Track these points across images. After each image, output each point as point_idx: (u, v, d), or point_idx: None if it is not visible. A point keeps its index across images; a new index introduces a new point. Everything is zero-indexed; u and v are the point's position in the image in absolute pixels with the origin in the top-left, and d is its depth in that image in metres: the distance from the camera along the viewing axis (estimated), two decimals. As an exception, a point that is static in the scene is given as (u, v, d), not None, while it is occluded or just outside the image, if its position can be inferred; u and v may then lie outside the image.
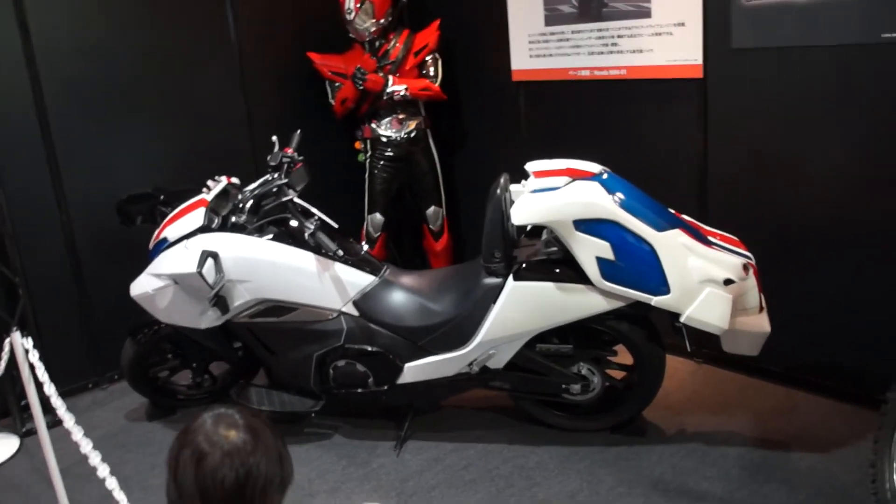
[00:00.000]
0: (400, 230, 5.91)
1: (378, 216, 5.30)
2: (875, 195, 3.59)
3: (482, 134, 5.44)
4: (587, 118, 4.66)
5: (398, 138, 5.16)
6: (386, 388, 3.79)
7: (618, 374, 3.81)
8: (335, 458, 3.83)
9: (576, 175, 3.36)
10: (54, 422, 3.54)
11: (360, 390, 3.83)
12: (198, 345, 4.09)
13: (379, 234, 5.33)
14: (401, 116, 5.15)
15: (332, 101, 5.17)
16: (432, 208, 5.37)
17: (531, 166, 3.53)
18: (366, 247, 3.96)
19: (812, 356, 3.97)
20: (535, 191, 3.35)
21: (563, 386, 3.67)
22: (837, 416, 3.78)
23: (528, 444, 3.78)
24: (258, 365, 4.18)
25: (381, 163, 5.23)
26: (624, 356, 3.72)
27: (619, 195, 3.26)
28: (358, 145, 5.28)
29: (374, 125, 5.17)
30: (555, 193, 3.28)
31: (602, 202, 3.22)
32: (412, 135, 5.17)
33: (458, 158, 5.56)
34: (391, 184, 5.30)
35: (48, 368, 4.47)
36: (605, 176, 3.38)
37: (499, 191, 3.45)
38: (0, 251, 4.32)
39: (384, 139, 5.17)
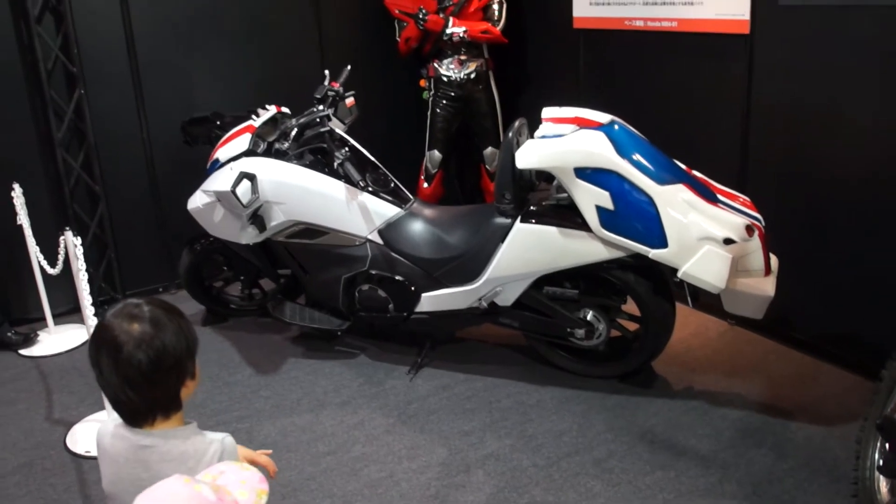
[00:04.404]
0: (462, 169, 6.05)
1: (436, 153, 5.45)
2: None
3: (543, 78, 5.49)
4: (639, 68, 4.65)
5: (458, 78, 5.28)
6: (405, 314, 3.99)
7: (631, 326, 3.87)
8: (354, 375, 4.08)
9: (583, 124, 3.40)
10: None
11: (382, 315, 4.05)
12: (245, 259, 4.40)
13: (437, 170, 5.48)
14: (462, 57, 5.25)
15: (398, 39, 5.32)
16: (490, 149, 5.48)
17: (546, 112, 3.58)
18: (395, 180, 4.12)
19: (842, 327, 3.89)
20: (542, 136, 3.42)
21: (568, 329, 3.77)
22: (856, 391, 3.70)
23: (534, 383, 3.92)
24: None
25: (443, 101, 5.37)
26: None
27: (624, 146, 3.29)
28: (423, 83, 5.42)
29: (437, 64, 5.31)
30: (558, 140, 3.34)
31: (603, 152, 3.26)
32: (472, 76, 5.28)
33: (519, 101, 5.62)
34: (451, 122, 5.43)
35: (122, 270, 4.97)
36: (615, 127, 3.40)
37: (511, 134, 3.55)
38: (85, 161, 4.76)
39: (445, 79, 5.30)
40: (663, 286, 3.62)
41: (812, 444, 3.36)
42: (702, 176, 3.49)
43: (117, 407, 1.71)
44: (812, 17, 3.69)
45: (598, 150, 3.27)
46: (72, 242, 3.56)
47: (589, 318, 3.75)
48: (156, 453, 1.71)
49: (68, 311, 4.80)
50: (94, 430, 3.60)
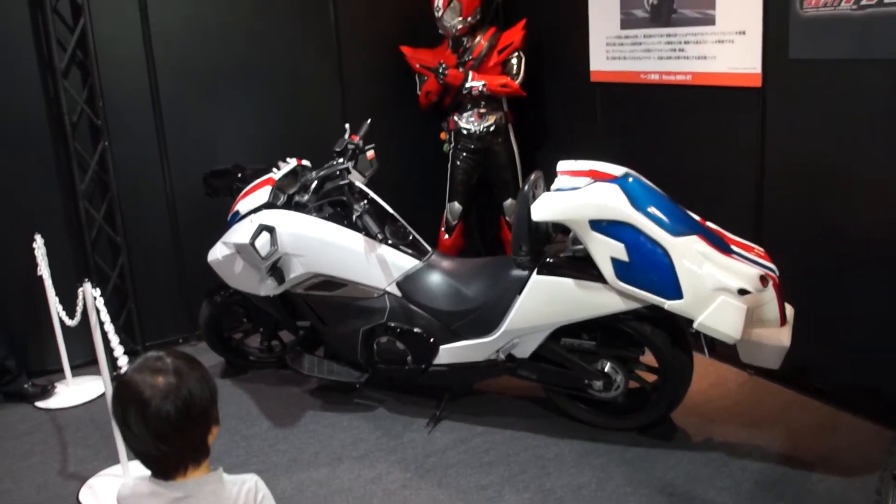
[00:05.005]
0: (482, 220, 6.09)
1: (457, 205, 5.50)
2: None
3: (561, 131, 5.56)
4: (655, 121, 4.70)
5: (478, 131, 5.35)
6: (423, 367, 4.00)
7: (649, 377, 3.86)
8: (372, 428, 4.08)
9: (598, 177, 3.44)
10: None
11: (400, 367, 4.06)
12: (264, 311, 4.43)
13: (457, 222, 5.53)
14: (482, 110, 5.33)
15: (419, 93, 5.41)
16: (509, 200, 5.52)
17: (561, 165, 3.63)
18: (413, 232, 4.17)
19: (860, 377, 3.86)
20: (558, 189, 3.46)
21: (586, 381, 3.76)
22: (877, 441, 3.65)
23: (553, 436, 3.89)
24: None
25: (463, 154, 5.44)
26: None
27: (638, 198, 3.32)
28: (443, 136, 5.51)
29: (457, 118, 5.39)
30: (573, 193, 3.38)
31: (617, 204, 3.29)
32: (492, 128, 5.35)
33: (538, 153, 5.67)
34: (471, 174, 5.50)
35: (142, 321, 5.02)
36: (629, 179, 3.44)
37: (527, 187, 3.58)
38: (107, 212, 4.85)
39: (465, 131, 5.37)
40: (680, 337, 3.61)
41: (832, 496, 3.32)
42: (716, 227, 3.50)
43: (147, 461, 1.73)
44: (822, 70, 3.73)
45: (612, 202, 3.30)
46: (90, 294, 3.61)
47: (607, 369, 3.74)
48: (193, 502, 1.73)
49: (86, 362, 4.82)
50: (108, 485, 3.65)
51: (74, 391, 4.59)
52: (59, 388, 4.61)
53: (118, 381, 1.75)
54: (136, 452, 1.73)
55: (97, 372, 4.32)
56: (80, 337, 4.54)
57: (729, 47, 4.08)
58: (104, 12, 4.68)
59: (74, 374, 4.71)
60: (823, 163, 3.83)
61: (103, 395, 4.39)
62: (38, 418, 4.37)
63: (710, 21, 4.15)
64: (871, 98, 3.57)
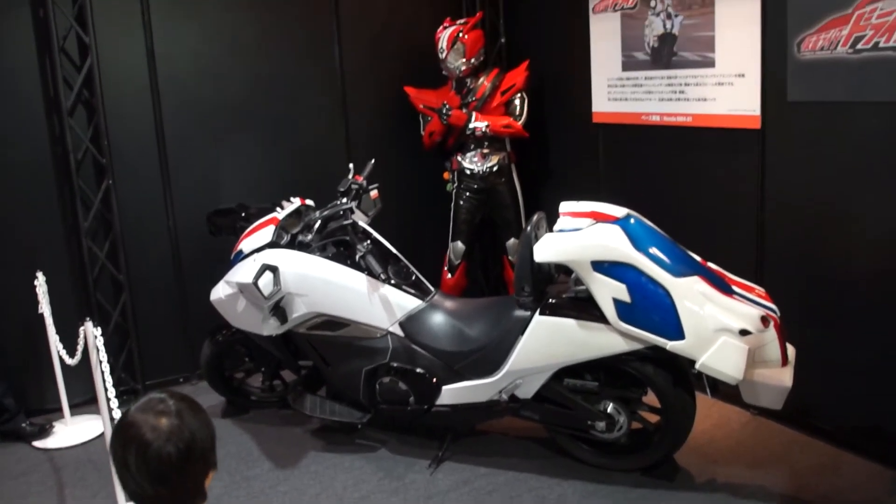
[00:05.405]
0: (485, 260, 6.11)
1: (460, 244, 5.53)
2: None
3: (564, 171, 5.60)
4: (656, 162, 4.75)
5: (481, 171, 5.39)
6: (426, 407, 3.99)
7: (652, 418, 3.85)
8: (374, 469, 4.05)
9: (600, 218, 3.47)
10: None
11: (402, 407, 4.05)
12: (266, 350, 4.43)
13: (460, 261, 5.55)
14: (485, 151, 5.37)
15: (423, 133, 5.46)
16: (512, 240, 5.54)
17: (563, 207, 3.66)
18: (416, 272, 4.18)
19: (863, 416, 3.86)
20: (560, 230, 3.48)
21: (589, 422, 3.75)
22: (878, 481, 3.65)
23: (556, 477, 3.87)
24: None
25: (466, 194, 5.47)
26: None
27: (640, 239, 3.34)
28: (447, 176, 5.54)
29: (460, 158, 5.43)
30: (575, 234, 3.40)
31: (619, 245, 3.31)
32: (495, 168, 5.39)
33: (541, 193, 5.71)
34: (474, 214, 5.53)
35: (143, 359, 5.01)
36: (631, 220, 3.46)
37: (529, 228, 3.61)
38: (110, 251, 4.87)
39: (468, 171, 5.41)
40: (682, 378, 3.61)
41: (836, 537, 3.30)
42: (717, 268, 3.52)
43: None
44: (820, 112, 3.78)
45: (614, 243, 3.32)
46: (91, 333, 3.62)
47: (609, 410, 3.73)
48: None
49: (86, 401, 4.79)
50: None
51: (73, 431, 4.56)
52: (58, 427, 4.57)
53: (120, 421, 1.75)
54: (133, 494, 1.73)
55: (96, 411, 4.31)
56: (80, 375, 4.53)
57: (729, 90, 4.14)
58: (111, 52, 4.74)
59: (73, 413, 4.68)
60: (823, 203, 3.86)
61: (102, 434, 4.39)
62: (36, 458, 4.34)
63: (709, 64, 4.22)
64: (867, 139, 3.62)
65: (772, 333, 3.30)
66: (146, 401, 1.76)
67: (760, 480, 3.74)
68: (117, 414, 3.47)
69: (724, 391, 3.62)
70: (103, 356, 3.54)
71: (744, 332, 3.23)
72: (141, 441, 1.67)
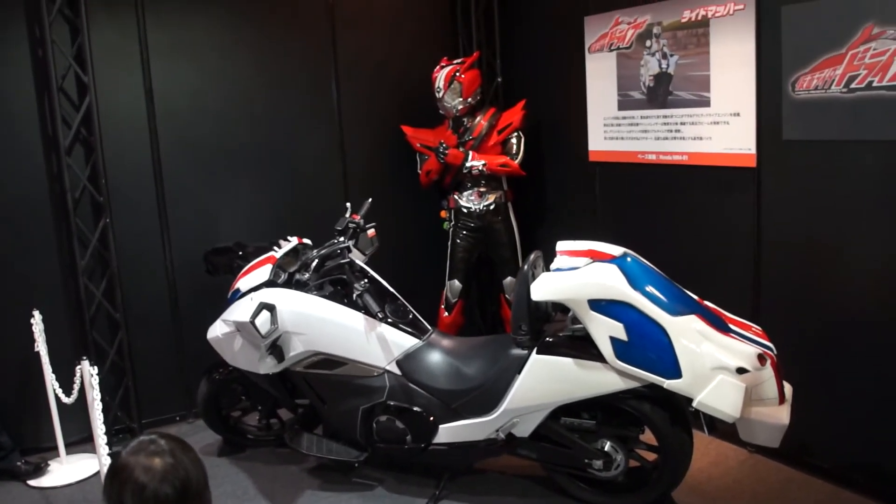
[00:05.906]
0: (482, 298, 6.11)
1: (456, 283, 5.53)
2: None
3: (561, 209, 5.63)
4: (652, 200, 4.77)
5: (478, 210, 5.41)
6: (423, 446, 3.97)
7: (650, 456, 3.83)
8: (370, 508, 4.03)
9: (597, 257, 3.48)
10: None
11: (399, 446, 4.02)
12: (263, 389, 4.41)
13: (457, 299, 5.55)
14: (482, 189, 5.40)
15: (420, 172, 5.49)
16: (509, 278, 5.54)
17: (560, 245, 3.68)
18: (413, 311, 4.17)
19: (861, 454, 3.84)
20: (557, 269, 3.49)
21: (586, 460, 3.73)
22: (877, 519, 3.64)
23: (554, 516, 3.86)
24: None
25: (463, 232, 5.49)
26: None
27: (637, 278, 3.35)
28: (443, 214, 5.56)
29: (457, 196, 5.46)
30: (572, 273, 3.41)
31: (616, 284, 3.32)
32: (492, 207, 5.41)
33: (537, 231, 5.73)
34: (471, 252, 5.54)
35: (139, 398, 4.98)
36: (628, 259, 3.47)
37: (526, 267, 3.62)
38: (107, 289, 4.87)
39: (465, 210, 5.43)
40: (679, 416, 3.59)
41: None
42: (714, 306, 3.52)
43: None
44: (815, 150, 3.81)
45: (611, 282, 3.33)
46: (88, 372, 3.62)
47: (607, 448, 3.72)
48: None
49: (81, 439, 4.77)
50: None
51: (68, 469, 4.52)
52: (53, 465, 4.54)
53: (112, 465, 1.74)
54: None
55: (92, 450, 4.30)
56: (75, 414, 4.51)
57: (724, 128, 4.17)
58: (110, 91, 4.78)
59: (69, 452, 4.65)
60: (819, 241, 3.88)
61: (98, 473, 4.34)
62: (30, 497, 4.31)
63: (705, 103, 4.26)
64: (862, 178, 3.64)
65: (769, 371, 3.30)
66: (137, 443, 1.75)
67: (758, 520, 3.72)
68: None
69: (722, 429, 3.60)
70: (97, 395, 3.52)
71: (741, 371, 3.22)
72: (136, 484, 1.66)
